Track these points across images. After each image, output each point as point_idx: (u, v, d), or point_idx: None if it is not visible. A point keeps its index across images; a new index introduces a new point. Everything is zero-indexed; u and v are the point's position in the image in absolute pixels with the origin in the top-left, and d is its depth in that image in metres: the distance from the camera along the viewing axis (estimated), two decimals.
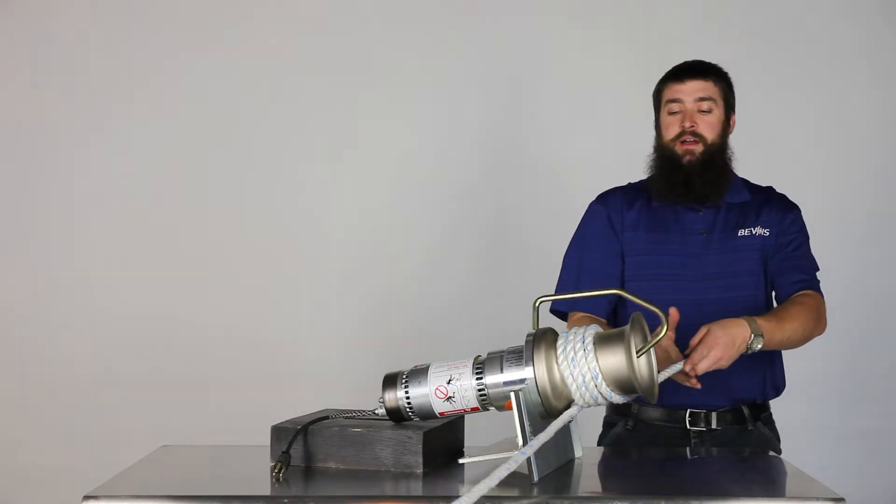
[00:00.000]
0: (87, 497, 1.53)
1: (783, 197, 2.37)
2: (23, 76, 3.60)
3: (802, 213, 2.36)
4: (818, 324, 2.23)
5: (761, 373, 2.27)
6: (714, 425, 2.24)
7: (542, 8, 3.59)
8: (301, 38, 3.60)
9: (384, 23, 3.60)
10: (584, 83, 3.58)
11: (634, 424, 2.28)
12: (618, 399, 1.70)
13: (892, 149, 3.58)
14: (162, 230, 3.57)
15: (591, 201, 2.39)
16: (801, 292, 2.25)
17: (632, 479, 1.87)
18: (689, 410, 2.24)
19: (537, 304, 1.78)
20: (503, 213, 3.57)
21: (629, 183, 2.41)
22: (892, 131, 3.58)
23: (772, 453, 2.09)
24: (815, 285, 2.29)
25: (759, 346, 2.05)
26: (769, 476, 1.84)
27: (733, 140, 2.36)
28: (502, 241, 3.53)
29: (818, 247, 2.38)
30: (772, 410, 2.37)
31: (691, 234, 2.28)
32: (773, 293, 2.32)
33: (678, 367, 2.00)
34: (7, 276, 3.57)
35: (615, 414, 2.32)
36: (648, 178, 2.36)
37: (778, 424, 2.38)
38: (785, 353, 2.33)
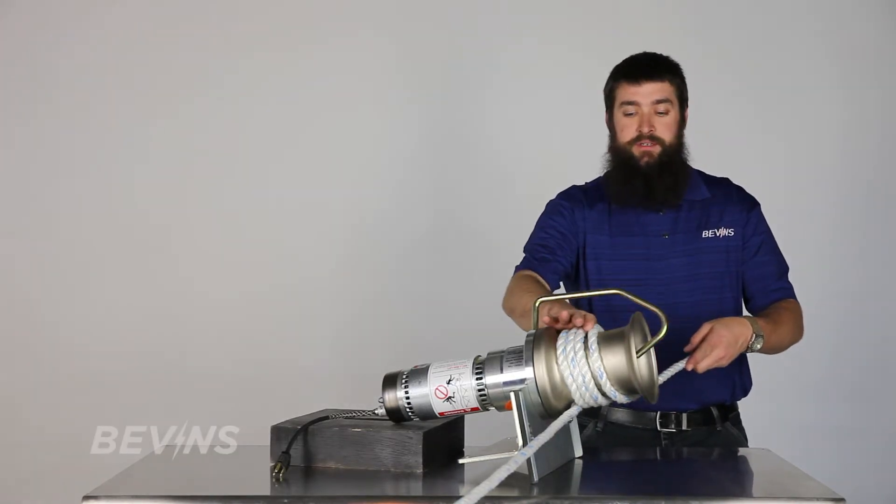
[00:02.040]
0: (87, 497, 1.53)
1: (742, 191, 2.34)
2: (20, 76, 3.60)
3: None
4: (801, 331, 2.26)
5: (731, 376, 2.25)
6: (684, 426, 2.23)
7: (500, 8, 3.61)
8: (274, 42, 3.60)
9: (354, 25, 3.61)
10: (552, 80, 3.59)
11: (604, 426, 2.26)
12: (621, 399, 1.70)
13: (871, 148, 3.58)
14: (161, 232, 3.57)
15: (550, 199, 2.35)
16: (782, 300, 2.26)
17: (632, 478, 1.87)
18: (659, 412, 2.22)
19: (537, 304, 1.78)
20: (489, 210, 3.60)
21: (586, 183, 2.37)
22: (870, 130, 3.58)
23: (761, 448, 2.08)
24: (792, 294, 2.30)
25: (759, 347, 2.06)
26: (769, 476, 1.84)
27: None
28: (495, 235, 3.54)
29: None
30: (754, 410, 2.37)
31: (654, 236, 2.25)
32: (748, 299, 2.30)
33: (680, 365, 2.00)
34: (7, 276, 3.57)
35: (585, 415, 2.27)
36: (606, 178, 2.32)
37: (763, 424, 2.38)
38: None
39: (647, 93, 2.21)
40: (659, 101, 2.22)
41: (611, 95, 2.29)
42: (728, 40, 3.58)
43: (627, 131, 2.23)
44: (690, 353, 2.01)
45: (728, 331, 2.01)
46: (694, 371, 2.01)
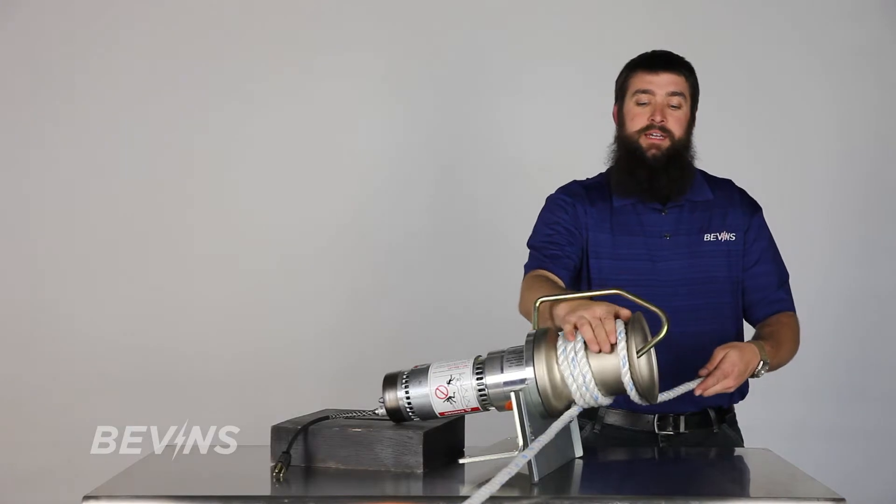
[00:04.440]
0: (87, 497, 1.53)
1: (745, 195, 2.33)
2: (20, 75, 3.60)
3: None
4: (798, 346, 2.25)
5: None
6: (682, 429, 2.22)
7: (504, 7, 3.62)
8: (272, 40, 3.60)
9: (357, 21, 3.61)
10: (555, 78, 3.60)
11: (602, 428, 2.25)
12: (635, 396, 1.69)
13: (868, 148, 3.58)
14: (162, 232, 3.57)
15: (550, 194, 2.33)
16: (782, 313, 2.26)
17: (632, 478, 1.87)
18: (656, 415, 2.20)
19: (538, 305, 1.78)
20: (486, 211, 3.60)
21: (586, 178, 2.34)
22: (885, 132, 3.58)
23: (761, 448, 2.08)
24: (791, 305, 2.29)
25: (764, 373, 2.07)
26: (770, 476, 1.84)
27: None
28: (491, 238, 3.54)
29: (791, 246, 2.36)
30: (755, 411, 2.38)
31: (655, 237, 2.23)
32: (747, 308, 2.29)
33: (690, 386, 1.99)
34: (7, 276, 3.57)
35: (581, 417, 2.21)
36: (609, 171, 2.30)
37: (763, 424, 2.38)
38: None
39: (664, 83, 2.20)
40: (674, 94, 2.20)
41: (624, 85, 2.26)
42: (727, 40, 3.58)
43: (639, 119, 2.21)
44: (700, 373, 2.01)
45: (741, 360, 2.00)
46: (696, 374, 2.02)
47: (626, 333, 1.66)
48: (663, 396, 1.92)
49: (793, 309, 2.29)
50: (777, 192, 3.36)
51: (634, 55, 2.29)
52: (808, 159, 3.58)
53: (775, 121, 3.58)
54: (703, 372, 2.01)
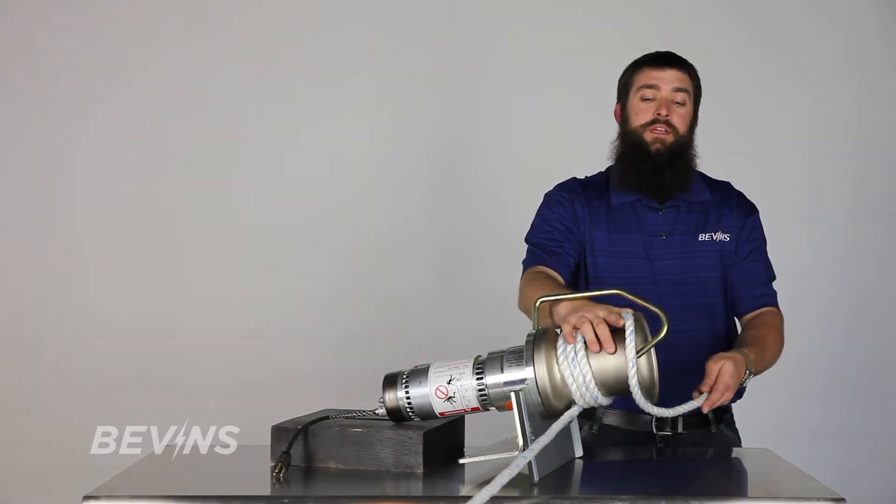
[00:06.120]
0: (87, 497, 1.53)
1: (742, 197, 2.34)
2: (19, 75, 3.60)
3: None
4: (782, 346, 2.23)
5: None
6: (680, 429, 2.22)
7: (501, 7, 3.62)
8: (270, 39, 3.61)
9: (347, 25, 3.61)
10: (550, 80, 3.61)
11: (599, 428, 2.25)
12: (638, 396, 1.68)
13: (873, 151, 3.59)
14: (162, 233, 3.57)
15: (548, 190, 2.33)
16: (765, 310, 2.26)
17: (632, 478, 1.87)
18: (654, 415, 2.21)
19: (538, 305, 1.78)
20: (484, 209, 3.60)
21: (585, 176, 2.36)
22: (873, 133, 3.59)
23: (761, 448, 2.08)
24: (774, 300, 2.29)
25: (748, 383, 2.06)
26: (770, 476, 1.84)
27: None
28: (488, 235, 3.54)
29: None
30: (755, 411, 2.37)
31: (652, 235, 2.24)
32: (732, 303, 2.29)
33: (697, 403, 1.97)
34: (7, 276, 3.57)
35: (579, 417, 2.18)
36: (608, 169, 2.31)
37: (763, 424, 2.38)
38: None
39: (670, 79, 2.22)
40: (679, 90, 2.22)
41: (629, 82, 2.28)
42: (725, 41, 3.58)
43: (643, 115, 2.23)
44: (701, 389, 1.98)
45: (736, 370, 1.97)
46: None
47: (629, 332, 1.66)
48: (666, 412, 1.89)
49: (776, 304, 2.29)
50: (784, 194, 3.37)
51: (635, 53, 2.31)
52: (820, 161, 3.57)
53: (760, 123, 3.58)
54: (704, 388, 1.97)
